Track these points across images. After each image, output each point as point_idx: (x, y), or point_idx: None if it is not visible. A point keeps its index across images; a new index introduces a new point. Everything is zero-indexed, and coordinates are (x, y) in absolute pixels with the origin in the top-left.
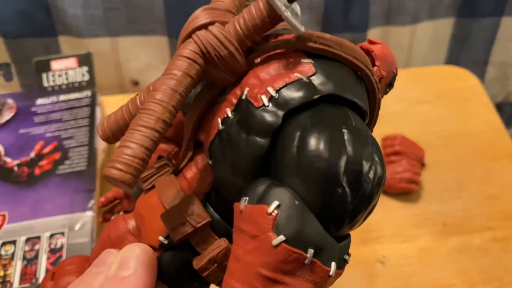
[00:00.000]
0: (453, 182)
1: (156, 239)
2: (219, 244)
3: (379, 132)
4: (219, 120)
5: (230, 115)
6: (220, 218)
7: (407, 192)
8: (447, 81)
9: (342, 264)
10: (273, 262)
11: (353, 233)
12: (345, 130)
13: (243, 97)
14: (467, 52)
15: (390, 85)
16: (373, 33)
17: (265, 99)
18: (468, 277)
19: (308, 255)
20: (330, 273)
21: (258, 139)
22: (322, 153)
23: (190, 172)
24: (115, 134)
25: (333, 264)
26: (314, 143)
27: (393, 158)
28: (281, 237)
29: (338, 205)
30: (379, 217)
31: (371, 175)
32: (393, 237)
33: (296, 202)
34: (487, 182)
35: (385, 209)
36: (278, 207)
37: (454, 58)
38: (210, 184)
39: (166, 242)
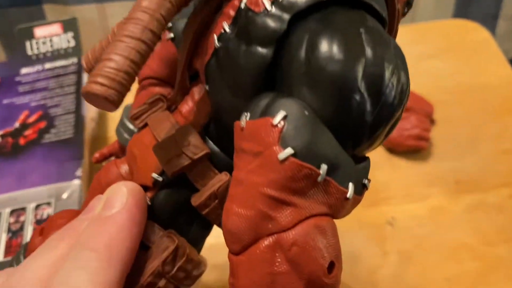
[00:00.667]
0: (465, 139)
1: (149, 177)
2: (220, 178)
3: None
4: (215, 37)
5: (227, 29)
6: (221, 152)
7: (416, 150)
8: (456, 35)
9: (360, 189)
10: (280, 179)
11: None
12: (362, 30)
13: (242, 5)
14: (475, 6)
15: (408, 4)
16: None
17: (267, 3)
18: (483, 235)
19: (321, 171)
20: (348, 195)
21: (260, 49)
22: (336, 54)
23: (186, 106)
24: None
25: (351, 185)
26: (326, 44)
27: None
28: (289, 150)
29: (355, 115)
30: (387, 177)
31: (394, 80)
32: (403, 197)
33: (306, 113)
34: (501, 138)
35: (393, 168)
36: (284, 118)
37: (461, 12)
38: (208, 115)
39: (160, 179)
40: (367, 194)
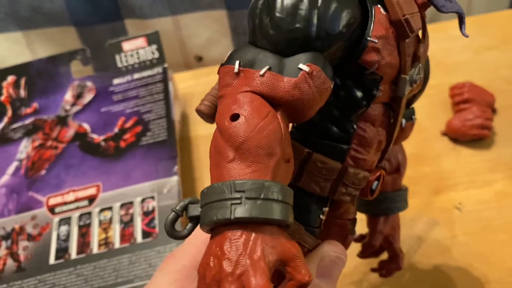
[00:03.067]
0: None
1: None
2: None
3: (446, 82)
4: None
5: None
6: None
7: (479, 138)
8: None
9: (295, 72)
10: (219, 82)
11: (427, 183)
12: None
13: None
14: None
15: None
16: None
17: None
18: None
19: (235, 66)
20: (260, 73)
21: None
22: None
23: None
24: None
25: (265, 67)
26: None
27: (463, 106)
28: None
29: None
30: (453, 165)
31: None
32: (469, 183)
33: (244, 46)
34: None
35: (458, 157)
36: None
37: None
38: None
39: None
40: (435, 181)
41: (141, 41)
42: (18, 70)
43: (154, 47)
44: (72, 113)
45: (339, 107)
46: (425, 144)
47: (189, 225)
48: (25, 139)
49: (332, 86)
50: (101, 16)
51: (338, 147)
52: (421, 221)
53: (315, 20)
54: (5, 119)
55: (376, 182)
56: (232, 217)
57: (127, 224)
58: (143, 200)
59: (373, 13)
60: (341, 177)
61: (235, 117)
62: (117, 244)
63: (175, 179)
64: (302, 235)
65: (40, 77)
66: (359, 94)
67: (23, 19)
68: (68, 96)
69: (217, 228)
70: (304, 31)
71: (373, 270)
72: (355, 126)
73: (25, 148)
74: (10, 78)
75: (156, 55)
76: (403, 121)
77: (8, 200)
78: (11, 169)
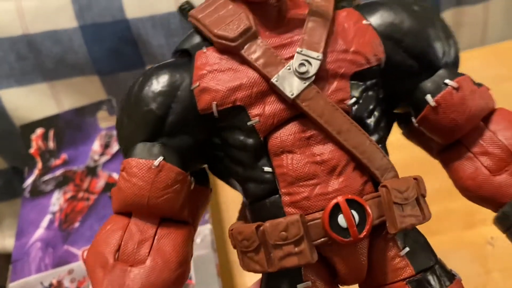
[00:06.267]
0: None
1: None
2: None
3: None
4: None
5: None
6: None
7: None
8: None
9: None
10: None
11: (457, 217)
12: None
13: None
14: None
15: None
16: (446, 15)
17: None
18: None
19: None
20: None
21: None
22: None
23: None
24: None
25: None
26: None
27: None
28: None
29: None
30: None
31: None
32: None
33: None
34: None
35: None
36: None
37: None
38: None
39: None
40: (465, 216)
41: None
42: (46, 122)
43: None
44: (101, 163)
45: (237, 163)
46: None
47: None
48: (57, 191)
49: (156, 163)
50: (123, 64)
51: (269, 201)
52: (453, 257)
53: (126, 124)
54: (36, 172)
55: (340, 215)
56: None
57: None
58: None
59: (192, 64)
60: (263, 238)
61: None
62: None
63: (207, 227)
64: None
65: (68, 128)
66: (241, 136)
67: (48, 71)
68: (96, 146)
69: None
70: (123, 140)
71: None
72: (265, 169)
73: (57, 201)
74: (39, 131)
75: None
76: (428, 96)
77: (44, 254)
78: (45, 222)
